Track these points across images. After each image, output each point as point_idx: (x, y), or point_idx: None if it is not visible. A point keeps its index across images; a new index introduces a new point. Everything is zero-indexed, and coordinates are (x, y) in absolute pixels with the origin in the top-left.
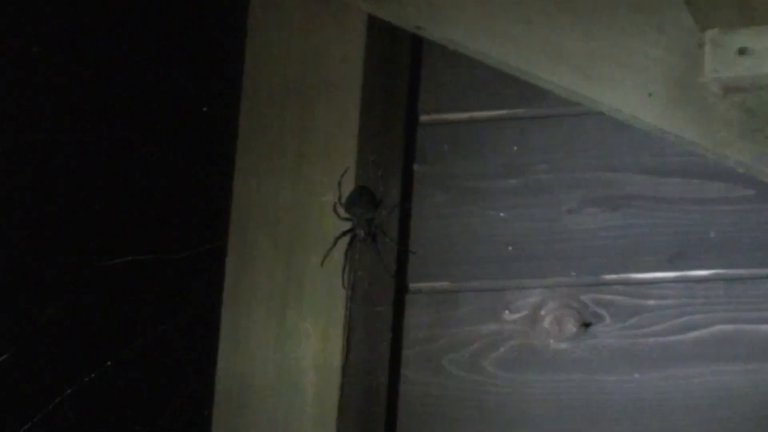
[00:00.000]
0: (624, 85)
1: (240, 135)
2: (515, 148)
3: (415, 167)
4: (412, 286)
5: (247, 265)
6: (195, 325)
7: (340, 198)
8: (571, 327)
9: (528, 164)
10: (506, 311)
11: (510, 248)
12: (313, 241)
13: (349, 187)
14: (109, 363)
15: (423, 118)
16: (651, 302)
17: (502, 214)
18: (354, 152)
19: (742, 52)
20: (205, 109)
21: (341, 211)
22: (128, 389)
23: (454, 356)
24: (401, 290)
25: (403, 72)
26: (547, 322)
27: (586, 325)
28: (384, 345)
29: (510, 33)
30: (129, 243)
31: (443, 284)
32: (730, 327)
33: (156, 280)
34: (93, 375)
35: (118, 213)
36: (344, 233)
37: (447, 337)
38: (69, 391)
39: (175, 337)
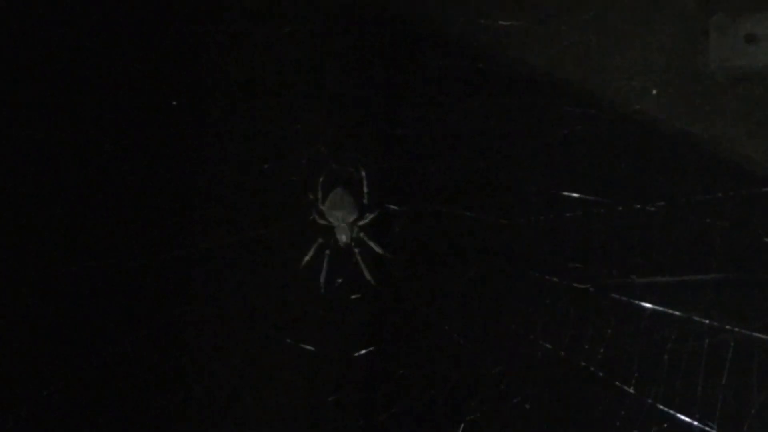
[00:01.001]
0: (625, 76)
1: (204, 131)
2: (507, 144)
3: (396, 163)
4: None
5: (214, 271)
6: (159, 336)
7: (320, 200)
8: (564, 334)
9: (521, 161)
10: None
11: (500, 251)
12: (287, 245)
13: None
14: (66, 378)
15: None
16: (651, 308)
17: (494, 218)
18: (328, 146)
19: (749, 39)
20: (174, 103)
21: (321, 213)
22: (87, 406)
23: None
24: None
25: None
26: (539, 329)
27: (582, 332)
28: (362, 355)
29: (500, 17)
30: (89, 248)
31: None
32: (735, 335)
33: (118, 288)
34: (46, 392)
35: (77, 216)
36: (323, 239)
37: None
38: (24, 409)
39: (138, 349)
